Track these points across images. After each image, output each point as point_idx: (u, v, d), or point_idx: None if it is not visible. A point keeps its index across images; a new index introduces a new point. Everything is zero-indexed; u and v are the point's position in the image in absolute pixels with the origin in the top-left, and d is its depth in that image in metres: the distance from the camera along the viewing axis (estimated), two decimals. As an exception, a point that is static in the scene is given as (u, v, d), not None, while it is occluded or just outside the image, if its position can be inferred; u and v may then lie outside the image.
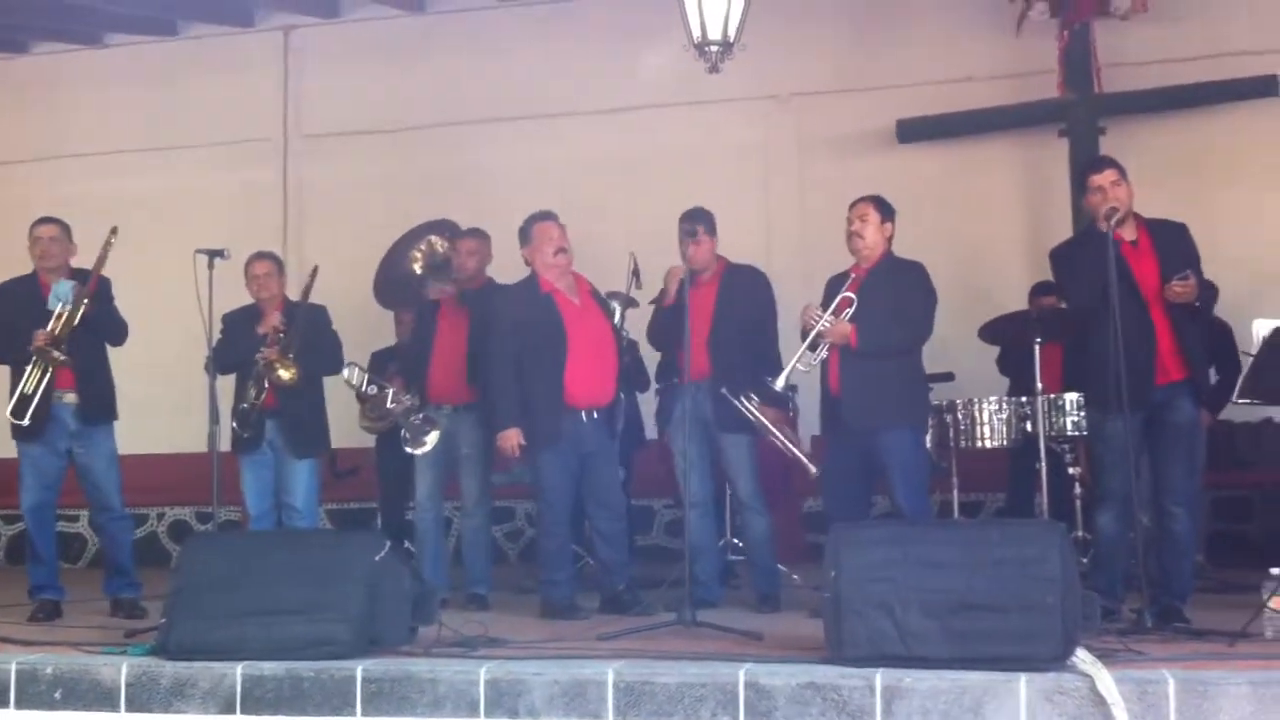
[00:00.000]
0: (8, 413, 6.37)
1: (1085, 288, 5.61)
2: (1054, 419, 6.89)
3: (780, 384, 6.10)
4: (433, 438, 6.68)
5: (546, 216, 6.46)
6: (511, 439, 6.27)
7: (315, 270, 6.82)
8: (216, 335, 6.55)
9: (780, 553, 6.73)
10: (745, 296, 6.51)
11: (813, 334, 6.07)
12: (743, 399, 6.28)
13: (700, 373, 6.31)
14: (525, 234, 6.45)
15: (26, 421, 6.35)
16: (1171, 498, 5.54)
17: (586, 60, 9.56)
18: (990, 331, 7.62)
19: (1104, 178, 5.70)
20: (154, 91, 10.32)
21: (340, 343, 6.94)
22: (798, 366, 6.10)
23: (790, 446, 6.48)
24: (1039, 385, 6.74)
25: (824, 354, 6.11)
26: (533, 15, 9.77)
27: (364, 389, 6.78)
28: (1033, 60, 8.86)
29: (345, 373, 6.79)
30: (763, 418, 6.35)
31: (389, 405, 6.67)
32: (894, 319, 6.07)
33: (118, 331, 6.66)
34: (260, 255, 7.00)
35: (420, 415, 6.69)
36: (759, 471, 6.52)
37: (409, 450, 6.73)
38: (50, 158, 10.38)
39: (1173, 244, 5.67)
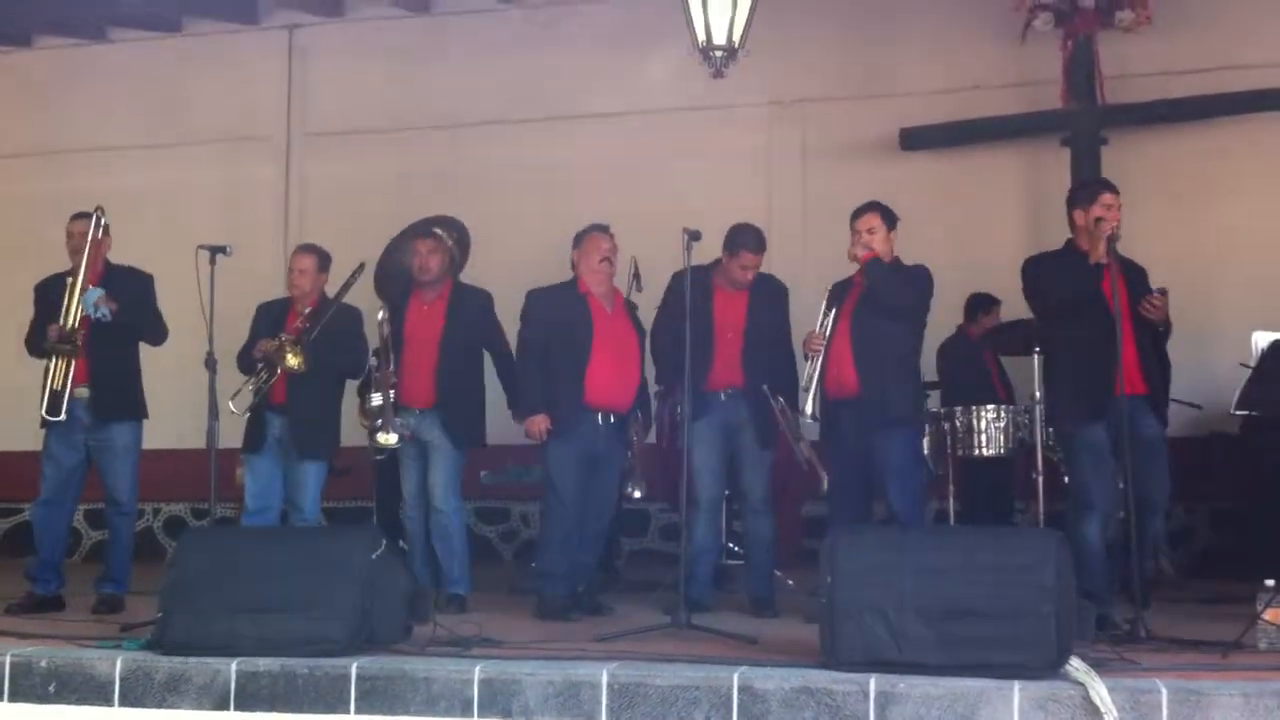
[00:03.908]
0: (43, 410, 6.43)
1: (1060, 300, 5.71)
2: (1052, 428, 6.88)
3: (809, 409, 6.15)
4: (393, 439, 6.61)
5: (601, 229, 6.63)
6: (540, 424, 6.36)
7: (361, 267, 6.78)
8: (249, 324, 6.64)
9: (777, 557, 6.73)
10: (772, 307, 6.58)
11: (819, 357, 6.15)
12: (779, 403, 6.35)
13: (730, 381, 6.39)
14: (579, 240, 6.63)
15: (62, 416, 6.41)
16: (1150, 510, 5.65)
17: (591, 63, 9.57)
18: (992, 339, 7.63)
19: (1115, 199, 5.78)
20: (157, 88, 10.34)
21: (367, 348, 6.82)
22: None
23: (810, 455, 6.56)
24: (1037, 394, 6.75)
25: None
26: (537, 18, 9.80)
27: (384, 330, 6.65)
28: (1036, 70, 8.87)
29: (379, 315, 6.71)
30: (790, 428, 6.42)
31: (389, 383, 6.59)
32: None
33: (153, 332, 6.71)
34: (303, 249, 6.92)
35: (399, 419, 6.61)
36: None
37: (376, 435, 6.64)
38: (53, 152, 10.38)
39: (1129, 263, 5.78)
